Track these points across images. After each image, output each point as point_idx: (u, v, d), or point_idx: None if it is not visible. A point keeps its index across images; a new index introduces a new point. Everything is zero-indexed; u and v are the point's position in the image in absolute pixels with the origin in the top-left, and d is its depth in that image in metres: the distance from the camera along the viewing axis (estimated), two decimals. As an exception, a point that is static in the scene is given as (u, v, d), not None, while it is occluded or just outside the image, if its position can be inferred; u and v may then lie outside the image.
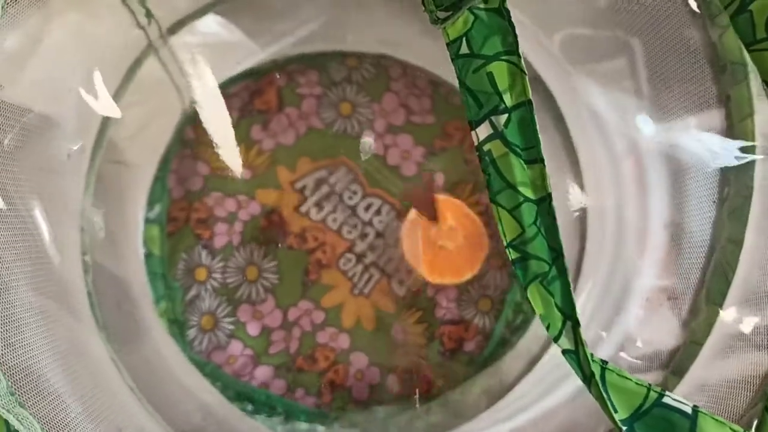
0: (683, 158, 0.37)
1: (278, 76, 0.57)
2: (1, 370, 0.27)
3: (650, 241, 0.38)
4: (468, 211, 0.59)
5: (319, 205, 0.58)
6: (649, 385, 0.25)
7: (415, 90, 0.60)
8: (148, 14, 0.40)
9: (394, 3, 0.53)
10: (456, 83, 0.58)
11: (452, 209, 0.58)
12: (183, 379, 0.53)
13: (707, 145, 0.35)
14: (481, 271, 0.58)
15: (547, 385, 0.44)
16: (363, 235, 0.58)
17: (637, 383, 0.25)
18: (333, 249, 0.58)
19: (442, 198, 0.58)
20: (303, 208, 0.58)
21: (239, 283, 0.56)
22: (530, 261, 0.27)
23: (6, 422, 0.27)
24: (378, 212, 0.59)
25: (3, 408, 0.27)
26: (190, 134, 0.57)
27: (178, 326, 0.55)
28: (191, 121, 0.56)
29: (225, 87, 0.57)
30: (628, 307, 0.40)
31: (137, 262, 0.52)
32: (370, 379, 0.57)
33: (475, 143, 0.28)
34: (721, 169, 0.35)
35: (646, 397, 0.25)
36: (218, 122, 0.56)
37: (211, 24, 0.49)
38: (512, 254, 0.27)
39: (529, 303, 0.26)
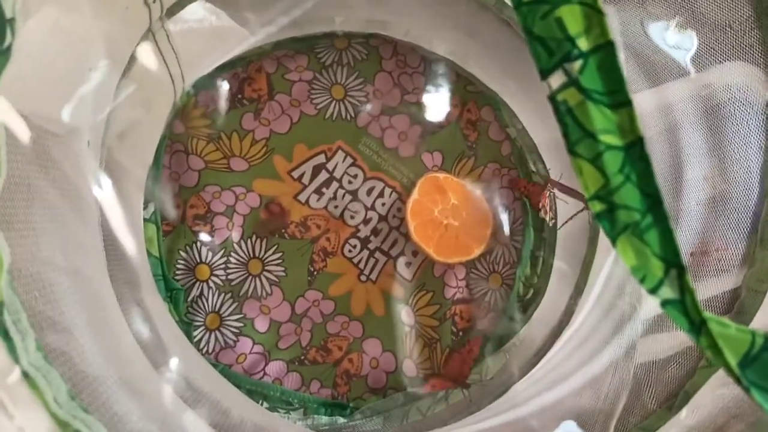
0: (723, 105, 0.36)
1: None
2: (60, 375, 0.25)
3: (691, 194, 0.38)
4: (470, 187, 0.58)
5: (319, 192, 0.56)
6: (751, 330, 0.25)
7: (408, 68, 0.59)
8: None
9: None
10: (451, 56, 0.57)
11: (454, 187, 0.57)
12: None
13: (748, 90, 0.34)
14: (488, 248, 0.57)
15: (584, 353, 0.43)
16: (366, 220, 0.57)
17: (738, 329, 0.24)
18: (337, 236, 0.56)
19: (442, 176, 0.57)
20: (302, 197, 0.56)
21: (243, 279, 0.54)
22: (618, 211, 0.25)
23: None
24: (380, 195, 0.57)
25: (69, 413, 0.25)
26: (180, 128, 0.54)
27: (183, 327, 0.52)
28: (180, 114, 0.54)
29: (214, 75, 0.55)
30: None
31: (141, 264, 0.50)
32: (385, 365, 0.55)
33: (547, 93, 0.26)
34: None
35: (752, 343, 0.25)
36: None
37: (200, 10, 0.46)
38: (596, 206, 0.26)
39: (619, 256, 0.25)
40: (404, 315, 0.56)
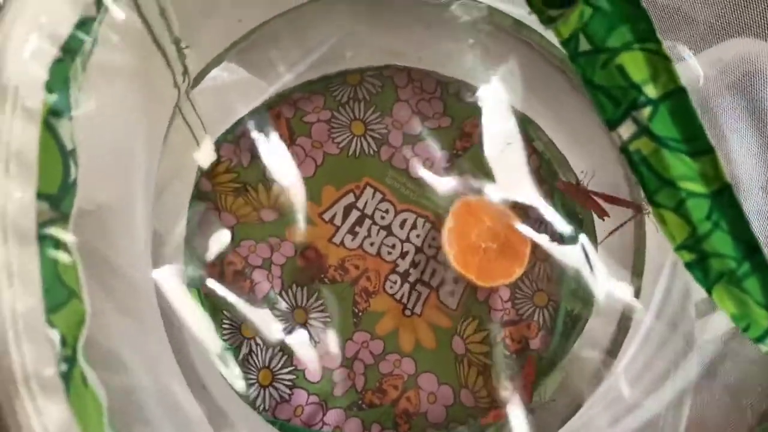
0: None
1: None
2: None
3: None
4: (502, 208, 0.57)
5: (352, 231, 0.56)
6: None
7: (425, 94, 0.58)
8: (185, 71, 0.37)
9: (394, 12, 0.51)
10: (466, 79, 0.57)
11: (487, 209, 0.57)
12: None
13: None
14: (528, 266, 0.56)
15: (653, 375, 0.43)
16: (403, 254, 0.56)
17: None
18: (377, 274, 0.55)
19: (474, 200, 0.56)
20: (337, 239, 0.56)
21: (289, 329, 0.54)
22: (710, 260, 0.25)
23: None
24: (414, 227, 0.56)
25: None
26: (207, 186, 0.54)
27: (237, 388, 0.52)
28: (206, 172, 0.53)
29: (234, 129, 0.54)
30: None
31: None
32: (443, 399, 0.55)
33: (618, 145, 0.26)
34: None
35: None
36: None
37: (221, 72, 0.46)
38: (686, 257, 0.25)
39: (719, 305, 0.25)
40: (455, 345, 0.55)
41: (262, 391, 0.52)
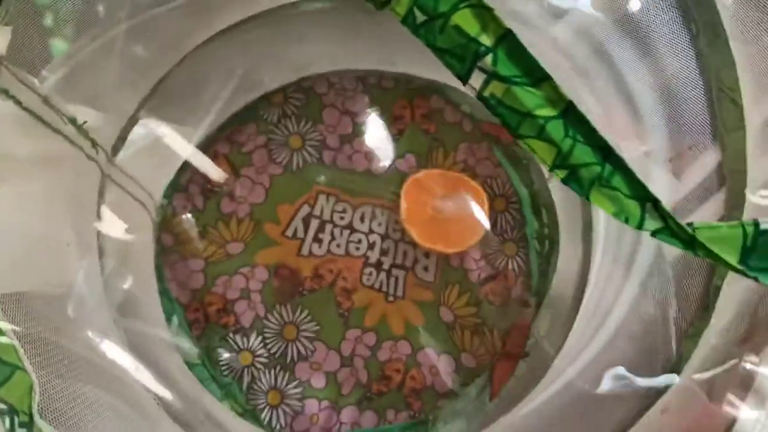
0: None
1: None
2: None
3: (643, 102, 0.39)
4: (450, 173, 0.59)
5: (317, 239, 0.58)
6: (740, 223, 0.26)
7: (348, 93, 0.60)
8: (93, 144, 0.39)
9: (294, 26, 0.53)
10: (380, 66, 0.59)
11: (435, 179, 0.59)
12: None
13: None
14: (491, 221, 0.58)
15: (617, 279, 0.45)
16: (371, 245, 0.58)
17: (729, 227, 0.26)
18: (351, 271, 0.58)
19: (421, 174, 0.59)
20: (304, 251, 0.58)
21: (284, 347, 0.56)
22: (580, 171, 0.27)
23: None
24: (374, 217, 0.59)
25: None
26: (169, 240, 0.56)
27: (250, 416, 0.54)
28: (164, 227, 0.55)
29: (178, 178, 0.56)
30: (654, 178, 0.40)
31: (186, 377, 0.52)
32: (446, 368, 0.57)
33: (475, 95, 0.28)
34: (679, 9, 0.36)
35: (745, 234, 0.26)
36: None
37: (140, 130, 0.48)
38: (560, 175, 0.27)
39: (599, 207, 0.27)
40: (443, 315, 0.57)
41: (274, 411, 0.55)
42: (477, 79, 0.28)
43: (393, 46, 0.57)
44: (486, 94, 0.28)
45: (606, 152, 0.26)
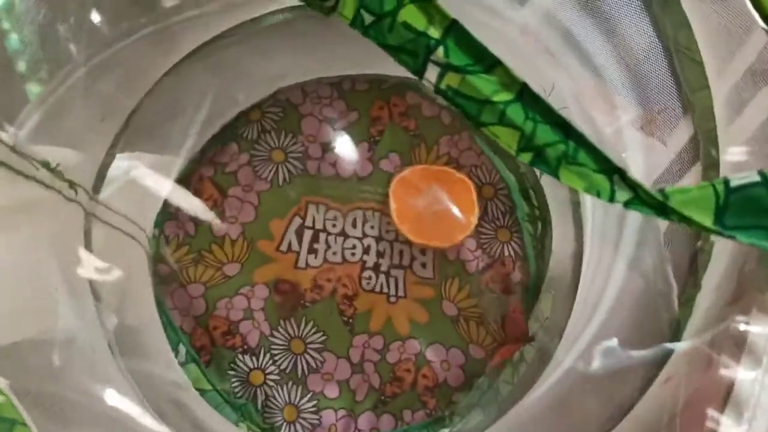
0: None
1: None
2: None
3: (612, 75, 0.39)
4: (434, 168, 0.59)
5: (312, 250, 0.58)
6: (710, 183, 0.26)
7: (324, 101, 0.60)
8: (71, 185, 0.39)
9: (261, 44, 0.53)
10: (352, 70, 0.59)
11: (421, 175, 0.59)
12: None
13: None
14: (481, 210, 0.58)
15: (608, 257, 0.45)
16: (366, 249, 0.58)
17: (699, 188, 0.26)
18: (350, 278, 0.58)
19: (407, 172, 0.59)
20: (301, 263, 0.58)
21: (294, 362, 0.56)
22: (545, 151, 0.27)
23: None
24: (365, 221, 0.59)
25: None
26: (165, 269, 0.56)
27: (269, 433, 0.54)
28: (159, 257, 0.55)
29: (166, 207, 0.56)
30: (633, 150, 0.40)
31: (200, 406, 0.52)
32: (456, 362, 0.57)
33: (433, 88, 0.28)
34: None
35: (716, 193, 0.26)
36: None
37: (120, 164, 0.48)
38: (526, 157, 0.27)
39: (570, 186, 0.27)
40: (446, 309, 0.57)
41: (292, 427, 0.55)
42: (433, 73, 0.28)
43: (361, 49, 0.57)
44: (443, 86, 0.28)
45: (567, 129, 0.26)
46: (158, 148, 0.50)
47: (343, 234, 0.58)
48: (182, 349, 0.54)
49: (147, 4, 0.44)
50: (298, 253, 0.58)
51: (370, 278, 0.58)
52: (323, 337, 0.57)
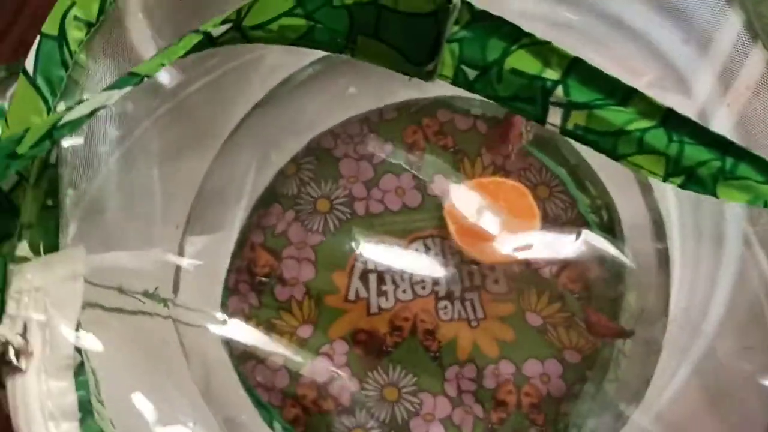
0: None
1: None
2: None
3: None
4: (484, 181, 0.58)
5: (381, 293, 0.56)
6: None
7: (354, 139, 0.58)
8: (165, 302, 0.37)
9: (291, 102, 0.52)
10: (377, 103, 0.57)
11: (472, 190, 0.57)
12: None
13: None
14: (540, 211, 0.57)
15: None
16: (435, 280, 0.56)
17: None
18: (426, 312, 0.56)
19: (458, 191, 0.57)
20: (373, 309, 0.56)
21: (391, 410, 0.54)
22: (698, 171, 0.25)
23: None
24: (427, 249, 0.57)
25: None
26: (239, 348, 0.54)
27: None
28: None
29: (226, 285, 0.55)
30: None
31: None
32: (555, 372, 0.55)
33: (559, 131, 0.26)
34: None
35: None
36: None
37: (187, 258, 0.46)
38: (676, 181, 0.26)
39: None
40: (530, 321, 0.56)
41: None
42: (556, 116, 0.26)
43: (384, 80, 0.56)
44: (570, 127, 0.26)
45: (724, 146, 0.24)
46: (215, 229, 0.48)
47: (409, 269, 0.56)
48: (278, 426, 0.53)
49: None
50: (368, 299, 0.56)
51: (446, 307, 0.56)
52: (414, 378, 0.55)
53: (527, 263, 0.57)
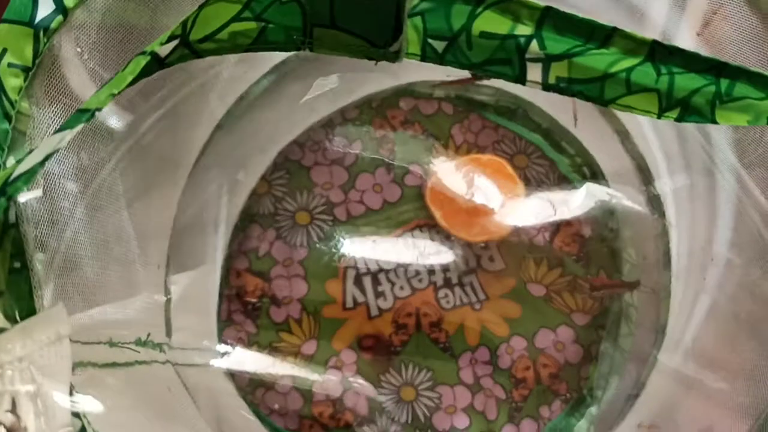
0: None
1: None
2: None
3: None
4: (458, 160, 0.56)
5: (378, 294, 0.55)
6: None
7: (322, 144, 0.57)
8: (161, 348, 0.35)
9: (250, 119, 0.50)
10: (337, 105, 0.56)
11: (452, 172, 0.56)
12: None
13: None
14: (522, 179, 0.56)
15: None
16: (430, 271, 0.55)
17: None
18: (427, 304, 0.54)
19: (434, 179, 0.56)
20: (373, 312, 0.54)
21: (411, 410, 0.53)
22: (693, 100, 0.24)
23: None
24: (416, 241, 0.55)
25: None
26: (244, 379, 0.52)
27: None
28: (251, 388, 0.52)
29: (218, 317, 0.53)
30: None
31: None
32: (568, 338, 0.54)
33: (542, 88, 0.24)
34: None
35: None
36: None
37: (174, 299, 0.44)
38: (672, 116, 0.24)
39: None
40: (534, 291, 0.55)
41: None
42: (536, 72, 0.24)
43: (339, 82, 0.54)
44: (552, 81, 0.24)
45: (717, 68, 0.23)
46: (197, 262, 0.47)
47: (401, 265, 0.55)
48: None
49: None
50: (367, 303, 0.54)
51: (446, 296, 0.55)
52: (429, 373, 0.53)
53: (519, 234, 0.55)
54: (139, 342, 0.33)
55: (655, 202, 0.50)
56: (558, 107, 0.54)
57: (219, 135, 0.46)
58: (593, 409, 0.52)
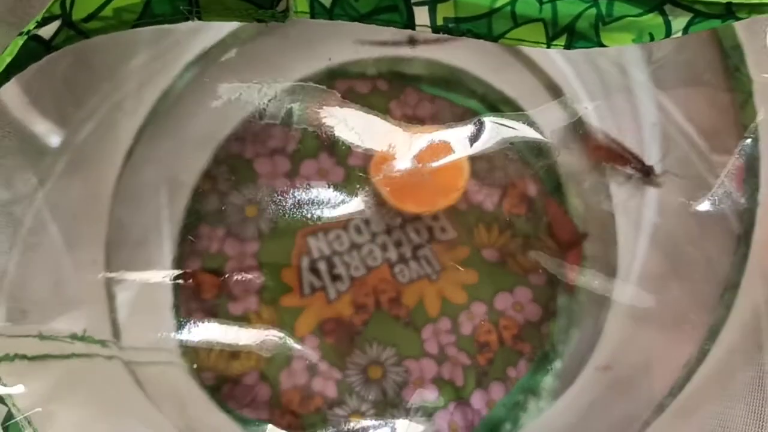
0: None
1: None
2: None
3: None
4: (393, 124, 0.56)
5: (334, 277, 0.55)
6: None
7: (261, 134, 0.57)
8: (103, 343, 0.35)
9: (179, 119, 0.50)
10: (262, 87, 0.55)
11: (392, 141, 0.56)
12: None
13: None
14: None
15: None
16: (383, 247, 0.55)
17: None
18: (384, 281, 0.55)
19: (378, 155, 0.56)
20: (332, 296, 0.55)
21: (381, 388, 0.53)
22: (576, 26, 0.24)
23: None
24: (367, 223, 0.56)
25: None
26: (210, 377, 0.52)
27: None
28: (200, 366, 0.51)
29: (178, 316, 0.52)
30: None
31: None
32: (526, 298, 0.55)
33: (433, 31, 0.25)
34: None
35: None
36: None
37: (122, 301, 0.44)
38: (561, 43, 0.25)
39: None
40: (488, 257, 0.55)
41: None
42: (423, 15, 0.25)
43: (265, 72, 0.54)
44: (440, 23, 0.25)
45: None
46: (147, 267, 0.46)
47: (354, 246, 0.55)
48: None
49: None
50: (324, 288, 0.55)
51: (402, 271, 0.55)
52: (393, 349, 0.54)
53: (466, 200, 0.56)
54: (74, 336, 0.33)
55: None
56: (491, 70, 0.55)
57: (147, 136, 0.45)
58: (557, 363, 0.53)
